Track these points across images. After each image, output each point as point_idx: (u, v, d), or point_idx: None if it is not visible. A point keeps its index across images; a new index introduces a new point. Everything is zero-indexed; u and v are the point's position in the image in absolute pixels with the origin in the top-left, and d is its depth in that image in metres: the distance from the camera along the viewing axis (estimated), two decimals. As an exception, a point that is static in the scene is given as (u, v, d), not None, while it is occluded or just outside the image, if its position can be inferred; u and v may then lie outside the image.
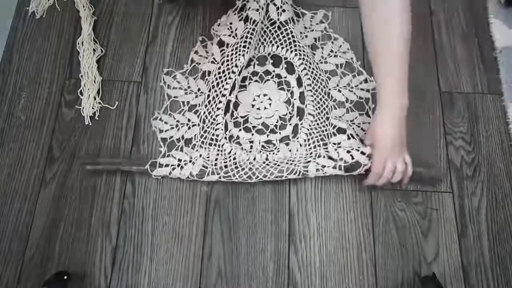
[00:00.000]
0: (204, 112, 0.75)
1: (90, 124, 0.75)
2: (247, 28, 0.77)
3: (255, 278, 0.66)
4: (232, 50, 0.77)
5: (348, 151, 0.68)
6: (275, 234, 0.68)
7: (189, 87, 0.78)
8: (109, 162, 0.71)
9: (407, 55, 0.60)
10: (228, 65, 0.76)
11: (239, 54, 0.76)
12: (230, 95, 0.75)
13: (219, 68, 0.77)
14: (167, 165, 0.70)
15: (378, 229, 0.69)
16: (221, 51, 0.79)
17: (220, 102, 0.74)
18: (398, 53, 0.60)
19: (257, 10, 0.77)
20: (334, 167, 0.68)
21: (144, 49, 0.81)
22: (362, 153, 0.67)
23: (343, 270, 0.67)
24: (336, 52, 0.81)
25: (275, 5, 0.79)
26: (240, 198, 0.71)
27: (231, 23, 0.80)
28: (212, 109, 0.74)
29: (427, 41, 0.82)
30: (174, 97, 0.77)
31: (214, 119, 0.74)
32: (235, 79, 0.75)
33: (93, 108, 0.75)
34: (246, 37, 0.76)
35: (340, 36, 0.82)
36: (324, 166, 0.68)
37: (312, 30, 0.83)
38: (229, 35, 0.79)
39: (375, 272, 0.66)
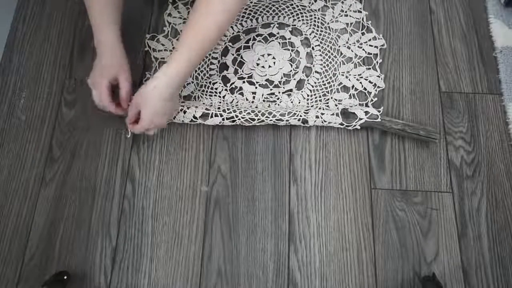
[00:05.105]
0: (196, 71, 0.78)
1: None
2: None
3: (255, 278, 0.66)
4: None
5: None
6: (275, 234, 0.68)
7: (174, 47, 0.80)
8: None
9: (211, 40, 0.64)
10: None
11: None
12: (221, 58, 0.79)
13: None
14: None
15: (378, 229, 0.69)
16: None
17: (211, 63, 0.79)
18: (201, 34, 0.63)
19: None
20: (333, 114, 0.71)
21: (144, 50, 0.81)
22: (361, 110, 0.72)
23: (343, 270, 0.67)
24: (346, 12, 0.83)
25: None
26: (240, 198, 0.71)
27: None
28: (204, 68, 0.79)
29: (427, 41, 0.82)
30: (161, 58, 0.80)
31: (208, 77, 0.78)
32: (226, 45, 0.80)
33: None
34: None
35: None
36: (323, 114, 0.71)
37: None
38: None
39: (375, 272, 0.66)
